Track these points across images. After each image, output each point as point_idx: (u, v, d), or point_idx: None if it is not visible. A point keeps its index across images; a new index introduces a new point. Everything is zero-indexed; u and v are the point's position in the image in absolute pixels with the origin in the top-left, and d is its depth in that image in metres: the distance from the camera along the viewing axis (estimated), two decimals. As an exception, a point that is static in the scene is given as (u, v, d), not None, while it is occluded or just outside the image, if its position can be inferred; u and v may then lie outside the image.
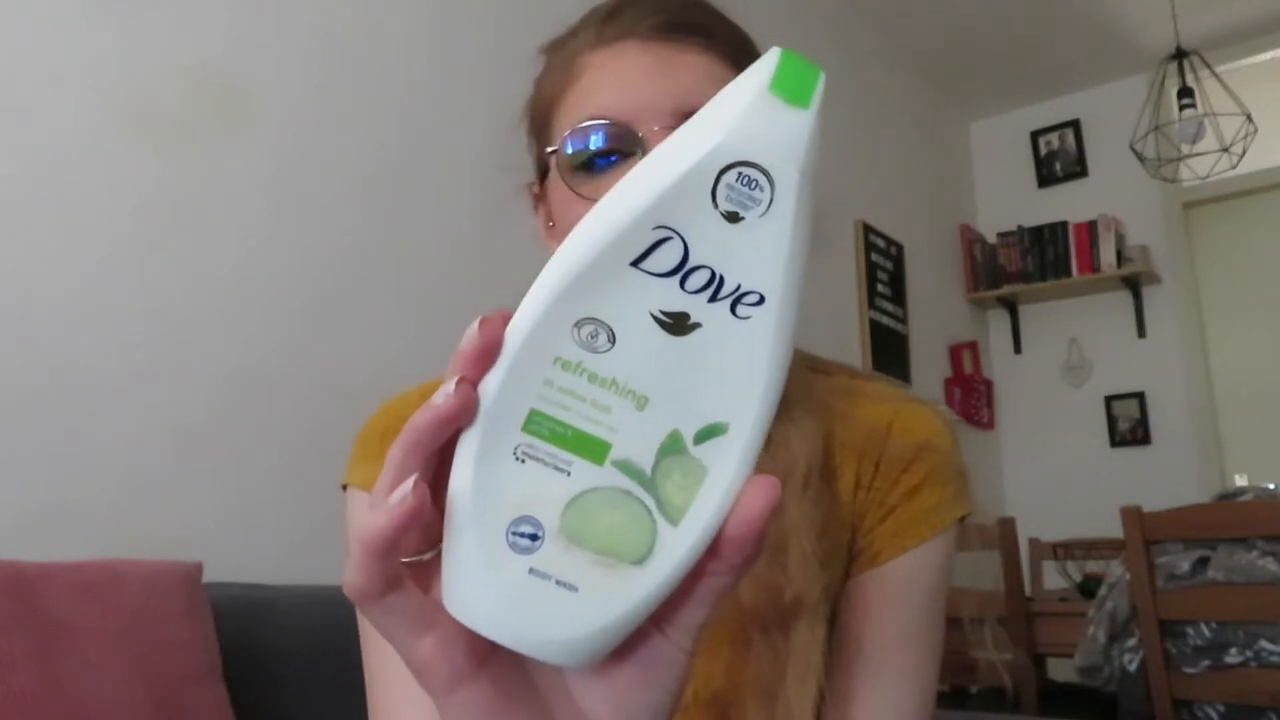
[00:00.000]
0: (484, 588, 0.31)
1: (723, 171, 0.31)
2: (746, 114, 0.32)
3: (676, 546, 0.31)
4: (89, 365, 1.41)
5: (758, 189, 0.32)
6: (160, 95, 1.56)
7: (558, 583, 0.31)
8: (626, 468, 0.31)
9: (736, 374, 0.32)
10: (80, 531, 1.34)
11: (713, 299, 0.32)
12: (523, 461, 0.31)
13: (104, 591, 1.12)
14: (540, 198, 0.68)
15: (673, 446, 0.32)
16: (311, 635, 1.33)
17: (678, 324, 0.32)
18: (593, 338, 0.32)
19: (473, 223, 2.00)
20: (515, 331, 0.32)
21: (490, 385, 0.31)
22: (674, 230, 0.32)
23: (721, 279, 0.32)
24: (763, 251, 0.32)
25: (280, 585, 1.43)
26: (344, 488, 0.67)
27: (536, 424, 0.31)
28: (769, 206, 0.32)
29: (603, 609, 0.31)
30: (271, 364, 1.64)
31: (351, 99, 1.85)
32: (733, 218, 0.32)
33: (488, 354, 0.31)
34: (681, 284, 0.32)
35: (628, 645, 0.33)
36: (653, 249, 0.32)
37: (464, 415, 0.31)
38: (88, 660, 1.06)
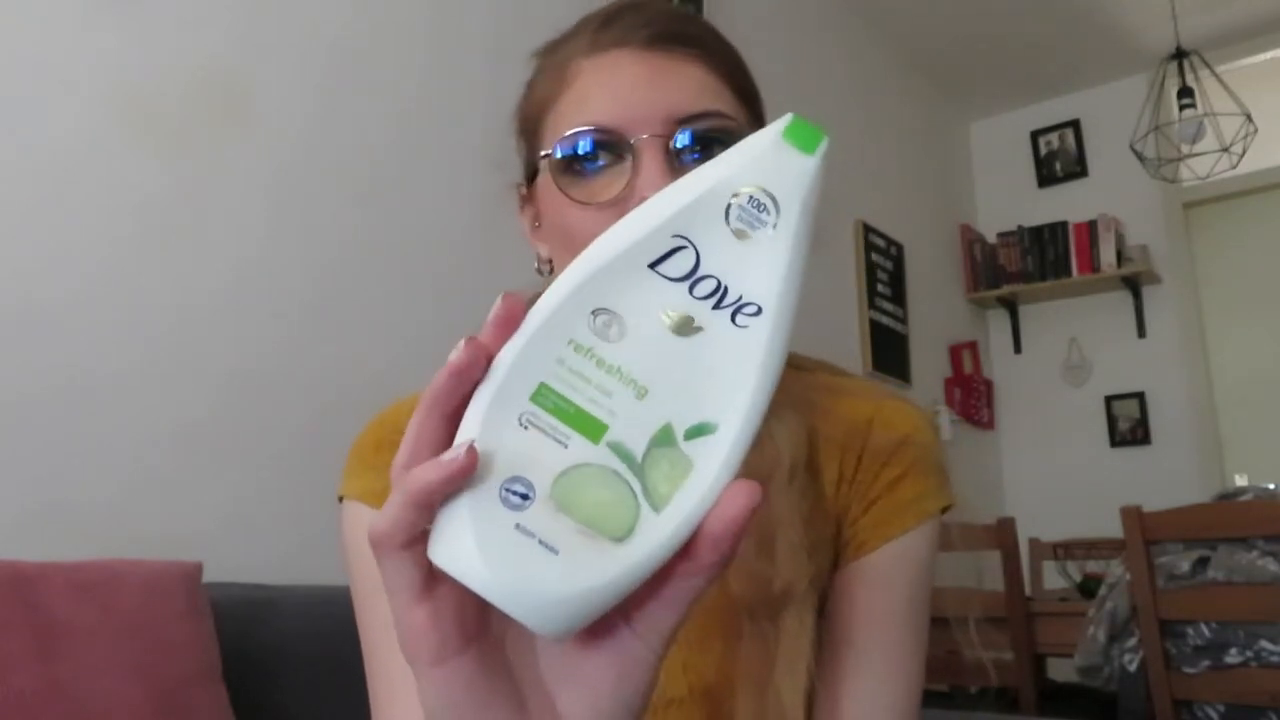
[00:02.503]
0: (470, 537, 0.32)
1: (736, 194, 0.36)
2: (762, 152, 0.36)
3: (656, 532, 0.33)
4: (89, 366, 1.41)
5: (765, 212, 0.36)
6: (161, 95, 1.56)
7: (540, 542, 0.32)
8: (619, 450, 0.33)
9: (730, 378, 0.35)
10: (80, 531, 1.34)
11: (716, 306, 0.35)
12: (525, 428, 0.33)
13: (104, 591, 1.12)
14: (528, 199, 0.69)
15: (664, 438, 0.34)
16: (311, 635, 1.33)
17: (683, 325, 0.35)
18: (606, 326, 0.34)
19: (474, 224, 2.00)
20: (538, 310, 0.34)
21: (507, 354, 0.34)
22: (689, 240, 0.35)
23: (726, 289, 0.35)
24: (764, 268, 0.35)
25: (280, 585, 1.43)
26: (340, 499, 0.67)
27: (544, 396, 0.34)
28: (773, 229, 0.36)
29: (579, 575, 0.32)
30: (272, 364, 1.64)
31: (352, 100, 1.85)
32: (741, 235, 0.35)
33: (507, 323, 0.34)
34: (691, 290, 0.35)
35: (599, 636, 0.35)
36: (669, 254, 0.35)
37: (473, 369, 0.33)
38: (88, 660, 1.06)
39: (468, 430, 0.33)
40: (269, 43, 1.73)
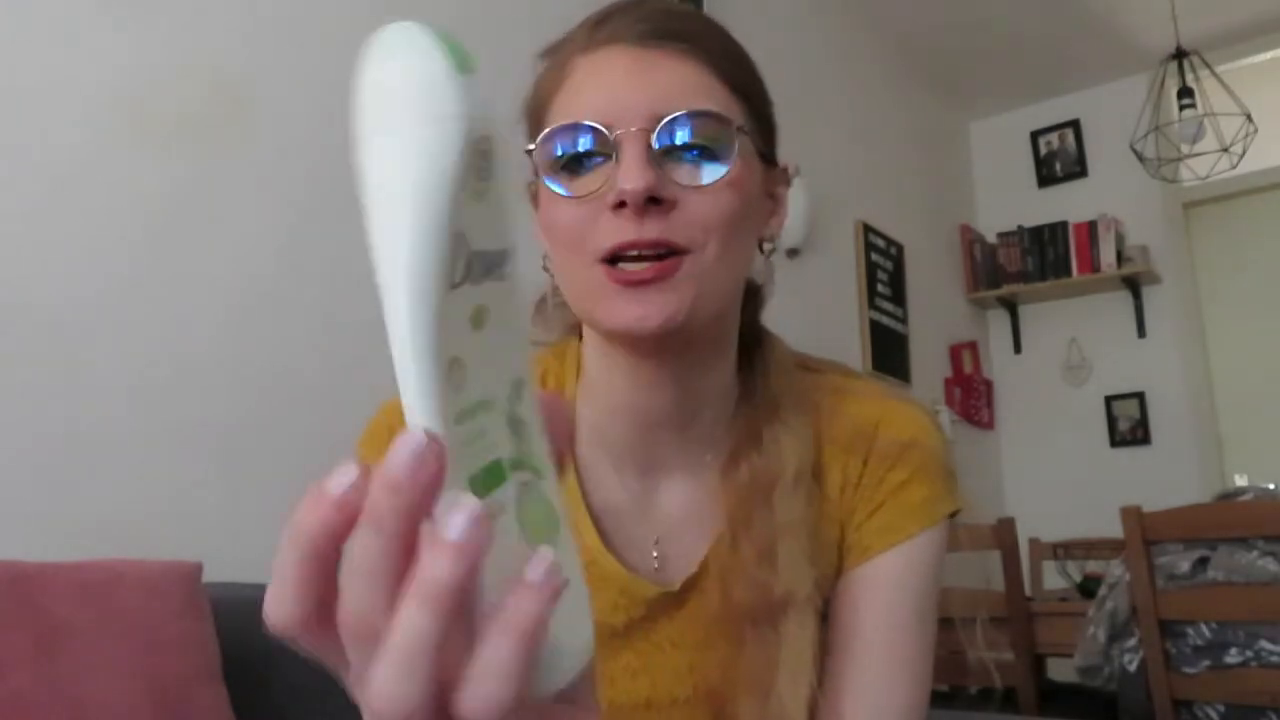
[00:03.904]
0: None
1: (473, 154, 0.30)
2: (467, 93, 0.30)
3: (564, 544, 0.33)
4: (92, 367, 1.41)
5: (490, 159, 0.31)
6: (166, 98, 1.56)
7: None
8: (520, 464, 0.32)
9: (517, 329, 0.34)
10: (80, 531, 1.34)
11: (484, 277, 0.31)
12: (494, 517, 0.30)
13: (104, 591, 1.12)
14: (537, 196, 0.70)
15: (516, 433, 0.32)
16: (311, 635, 1.33)
17: (479, 318, 0.31)
18: (461, 378, 0.30)
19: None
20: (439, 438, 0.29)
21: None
22: (462, 230, 0.30)
23: (484, 254, 0.31)
24: (502, 212, 0.31)
25: (280, 585, 1.43)
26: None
27: (480, 483, 0.31)
28: (495, 171, 0.31)
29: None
30: (272, 364, 1.64)
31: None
32: (481, 194, 0.31)
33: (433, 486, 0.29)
34: (474, 281, 0.31)
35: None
36: (461, 261, 0.30)
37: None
38: (88, 660, 1.06)
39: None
40: (275, 43, 1.73)
